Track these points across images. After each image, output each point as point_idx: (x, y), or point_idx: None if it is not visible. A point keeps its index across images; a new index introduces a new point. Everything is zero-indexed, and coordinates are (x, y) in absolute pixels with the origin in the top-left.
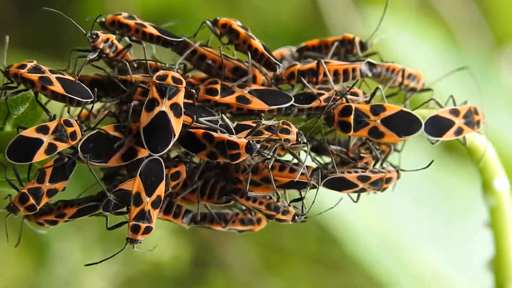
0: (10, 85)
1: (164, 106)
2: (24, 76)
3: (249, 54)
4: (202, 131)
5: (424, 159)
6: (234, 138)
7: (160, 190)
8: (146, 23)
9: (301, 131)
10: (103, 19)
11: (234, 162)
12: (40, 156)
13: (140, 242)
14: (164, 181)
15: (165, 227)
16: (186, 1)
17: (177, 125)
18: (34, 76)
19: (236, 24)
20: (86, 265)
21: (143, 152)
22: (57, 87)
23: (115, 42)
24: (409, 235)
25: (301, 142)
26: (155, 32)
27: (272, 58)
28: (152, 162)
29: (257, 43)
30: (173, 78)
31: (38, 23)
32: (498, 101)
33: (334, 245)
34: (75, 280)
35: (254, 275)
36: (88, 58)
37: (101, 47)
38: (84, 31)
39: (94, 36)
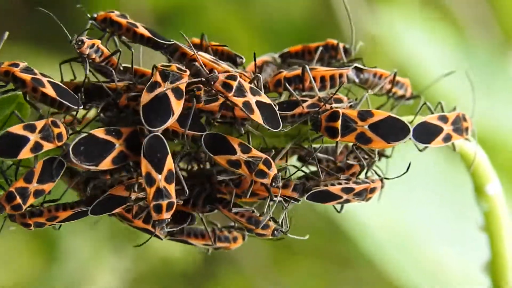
0: None
1: (166, 88)
2: (16, 75)
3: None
4: (240, 140)
5: (433, 159)
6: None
7: (169, 164)
8: (138, 24)
9: (278, 174)
10: (95, 15)
11: (258, 179)
12: (25, 153)
13: (168, 221)
14: (170, 155)
15: None
16: (197, 1)
17: (177, 105)
18: (27, 76)
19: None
20: None
21: (134, 157)
22: (49, 90)
23: (101, 47)
24: (422, 231)
25: (275, 186)
26: (146, 33)
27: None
28: (152, 139)
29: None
30: (177, 67)
31: (43, 16)
32: (507, 96)
33: (343, 241)
34: (86, 276)
35: (264, 272)
36: (86, 73)
37: (87, 53)
38: (70, 37)
39: (80, 43)
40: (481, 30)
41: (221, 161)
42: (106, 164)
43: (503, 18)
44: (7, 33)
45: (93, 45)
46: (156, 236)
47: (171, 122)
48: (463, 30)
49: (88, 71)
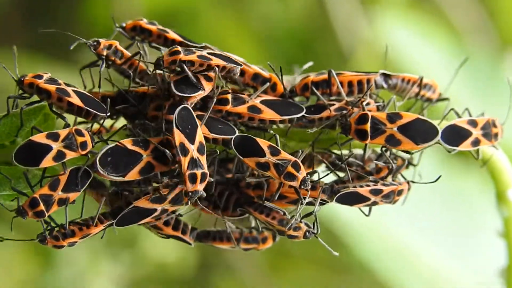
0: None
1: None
2: (40, 86)
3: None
4: (269, 143)
5: (438, 165)
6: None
7: (200, 136)
8: (167, 29)
9: (307, 177)
10: (124, 24)
11: (286, 181)
12: (47, 162)
13: (201, 193)
14: (199, 128)
15: None
16: (193, 6)
17: (207, 85)
18: (51, 87)
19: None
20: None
21: (161, 167)
22: (75, 99)
23: (120, 48)
24: (418, 239)
25: (304, 188)
26: (177, 37)
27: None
28: (183, 111)
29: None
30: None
31: (43, 26)
32: (504, 101)
33: (341, 248)
34: (81, 282)
35: (261, 278)
36: (100, 71)
37: (104, 54)
38: (84, 40)
39: (95, 43)
40: (478, 35)
41: (250, 163)
42: (133, 175)
43: (500, 23)
44: (15, 48)
45: (110, 46)
46: (186, 241)
47: (200, 94)
48: (460, 35)
49: (102, 69)
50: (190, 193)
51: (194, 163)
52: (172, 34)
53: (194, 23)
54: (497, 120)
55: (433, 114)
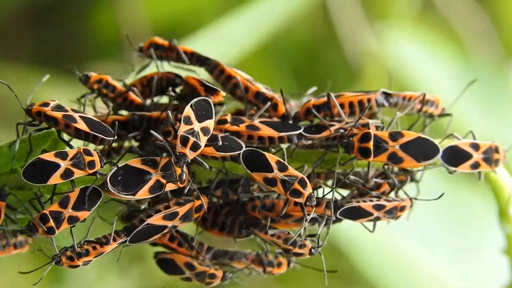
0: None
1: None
2: (47, 114)
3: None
4: (277, 158)
5: (442, 180)
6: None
7: (209, 124)
8: (180, 46)
9: (313, 194)
10: (141, 45)
11: (292, 198)
12: (55, 179)
13: (188, 161)
14: (213, 120)
15: None
16: (198, 14)
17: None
18: (58, 114)
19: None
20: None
21: (170, 186)
22: (81, 125)
23: (111, 82)
24: (421, 253)
25: (309, 205)
26: (189, 49)
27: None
28: (203, 101)
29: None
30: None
31: (48, 37)
32: (508, 110)
33: (344, 258)
34: None
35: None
36: (86, 97)
37: (95, 87)
38: (78, 73)
39: (85, 77)
40: (482, 44)
41: (257, 178)
42: (143, 193)
43: (504, 32)
44: (47, 76)
45: (101, 80)
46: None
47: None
48: (464, 45)
49: (89, 97)
50: (177, 155)
51: (191, 131)
52: (184, 47)
53: (197, 31)
54: (501, 147)
55: (436, 132)
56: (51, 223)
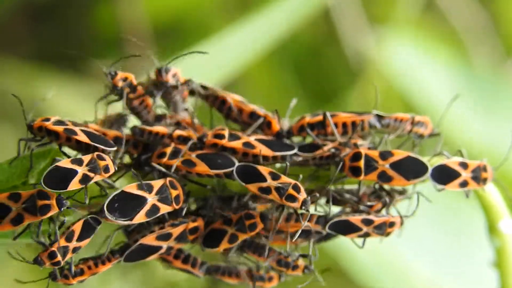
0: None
1: None
2: (49, 128)
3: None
4: (270, 169)
5: (434, 191)
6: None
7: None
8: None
9: (308, 198)
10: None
11: (287, 203)
12: (74, 184)
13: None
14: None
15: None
16: (198, 13)
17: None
18: (59, 128)
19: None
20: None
21: (165, 208)
22: (82, 137)
23: (134, 82)
24: (416, 262)
25: (305, 210)
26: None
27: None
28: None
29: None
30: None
31: (50, 35)
32: (507, 112)
33: (338, 263)
34: None
35: None
36: (105, 98)
37: (120, 85)
38: (103, 67)
39: (113, 73)
40: (482, 44)
41: (252, 188)
42: (140, 217)
43: (504, 30)
44: (52, 93)
45: (126, 78)
46: (195, 274)
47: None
48: (464, 44)
49: (121, 103)
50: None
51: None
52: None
53: (200, 30)
54: (489, 166)
55: (430, 148)
56: (59, 257)
